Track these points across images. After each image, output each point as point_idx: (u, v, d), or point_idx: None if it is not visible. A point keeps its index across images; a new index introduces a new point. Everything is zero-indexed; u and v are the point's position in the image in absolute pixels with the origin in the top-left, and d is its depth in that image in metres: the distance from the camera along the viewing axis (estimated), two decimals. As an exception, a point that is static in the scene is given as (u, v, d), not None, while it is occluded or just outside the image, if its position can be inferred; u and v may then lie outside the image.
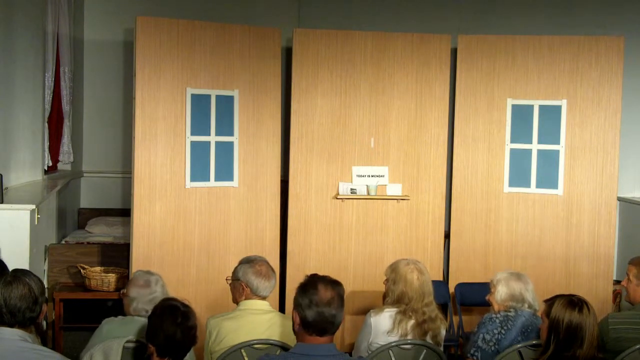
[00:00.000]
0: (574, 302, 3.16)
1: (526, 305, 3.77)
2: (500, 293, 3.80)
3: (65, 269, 5.50)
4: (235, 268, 3.80)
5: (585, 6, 6.60)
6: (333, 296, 2.79)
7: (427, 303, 3.72)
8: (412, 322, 3.68)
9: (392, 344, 3.60)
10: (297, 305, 2.82)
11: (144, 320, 3.35)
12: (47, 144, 5.82)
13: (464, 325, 5.37)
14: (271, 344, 3.43)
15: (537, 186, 5.57)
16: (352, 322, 5.32)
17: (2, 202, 4.45)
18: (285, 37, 5.72)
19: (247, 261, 3.78)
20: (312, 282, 2.85)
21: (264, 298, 3.70)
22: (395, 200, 5.53)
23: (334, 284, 2.86)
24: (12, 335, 2.94)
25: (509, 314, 3.74)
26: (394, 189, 5.54)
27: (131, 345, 3.25)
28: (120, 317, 3.56)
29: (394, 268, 3.85)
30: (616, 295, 5.68)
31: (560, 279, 5.52)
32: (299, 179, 5.49)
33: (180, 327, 2.94)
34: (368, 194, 5.49)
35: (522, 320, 3.70)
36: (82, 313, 5.35)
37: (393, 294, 3.79)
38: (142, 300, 3.50)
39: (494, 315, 3.77)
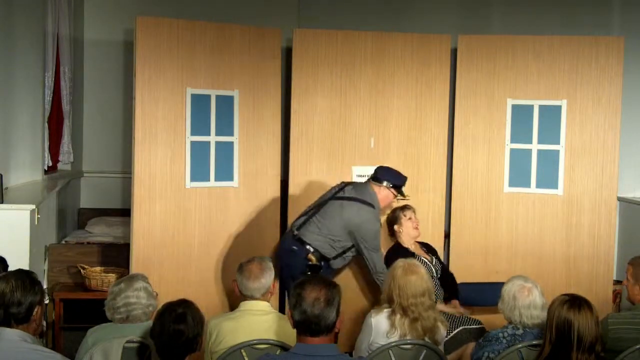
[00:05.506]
0: (569, 301, 3.12)
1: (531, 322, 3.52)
2: (504, 307, 3.59)
3: (65, 269, 5.49)
4: None
5: (585, 6, 6.60)
6: (318, 297, 2.73)
7: (414, 303, 3.67)
8: (407, 320, 3.68)
9: (392, 344, 3.60)
10: (290, 305, 2.82)
11: (119, 325, 3.36)
12: (47, 144, 5.82)
13: (464, 325, 5.37)
14: (271, 344, 3.43)
15: (537, 186, 5.57)
16: (352, 323, 5.32)
17: (2, 202, 4.45)
18: (285, 37, 5.71)
19: (242, 262, 3.82)
20: (302, 282, 2.82)
21: (257, 299, 3.69)
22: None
23: (326, 284, 2.79)
24: (11, 335, 2.95)
25: (516, 332, 3.54)
26: (394, 189, 5.53)
27: (131, 345, 3.24)
28: (103, 324, 3.51)
29: (391, 266, 3.89)
30: (616, 295, 5.68)
31: (560, 279, 5.52)
32: (298, 179, 5.49)
33: (169, 328, 2.89)
34: (368, 194, 5.48)
35: (530, 338, 3.47)
36: (82, 313, 5.34)
37: (384, 291, 3.82)
38: (107, 305, 3.45)
39: (500, 335, 3.56)
